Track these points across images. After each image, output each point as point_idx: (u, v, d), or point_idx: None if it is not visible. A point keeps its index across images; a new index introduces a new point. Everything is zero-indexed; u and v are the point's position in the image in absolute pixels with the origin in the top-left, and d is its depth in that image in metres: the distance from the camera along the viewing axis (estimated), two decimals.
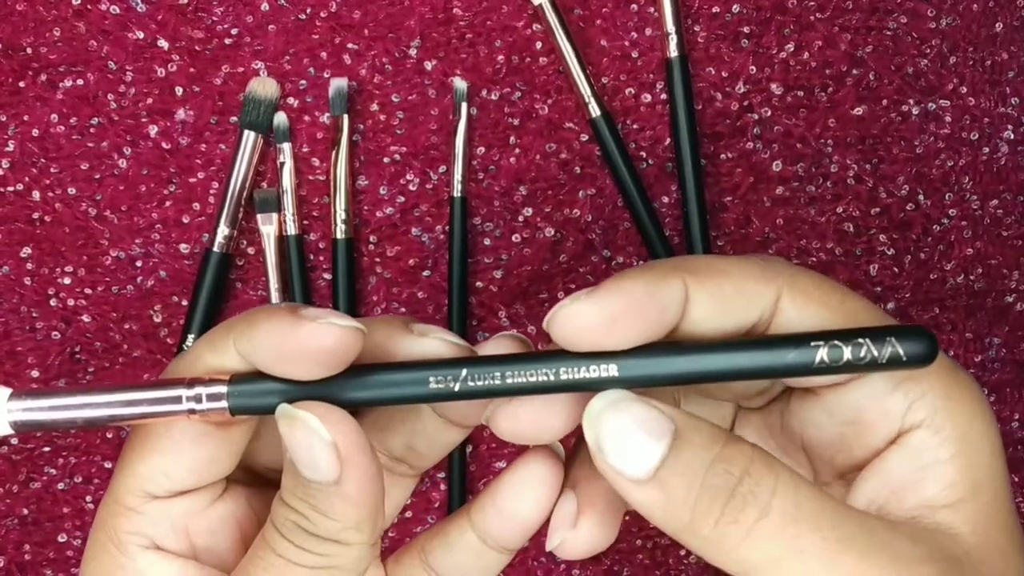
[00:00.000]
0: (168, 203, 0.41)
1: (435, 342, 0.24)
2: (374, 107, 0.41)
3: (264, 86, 0.40)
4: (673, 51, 0.40)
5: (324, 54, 0.41)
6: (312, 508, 0.23)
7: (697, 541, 0.22)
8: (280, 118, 0.40)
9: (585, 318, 0.22)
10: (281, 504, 0.23)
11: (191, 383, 0.23)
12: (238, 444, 0.25)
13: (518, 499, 0.26)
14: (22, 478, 0.41)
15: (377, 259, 0.41)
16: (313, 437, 0.22)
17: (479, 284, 0.42)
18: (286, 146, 0.40)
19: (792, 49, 0.41)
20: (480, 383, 0.23)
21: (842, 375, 0.24)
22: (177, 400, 0.23)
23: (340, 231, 0.40)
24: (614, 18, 0.41)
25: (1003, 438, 0.42)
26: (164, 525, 0.24)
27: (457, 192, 0.41)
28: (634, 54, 0.41)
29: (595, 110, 0.40)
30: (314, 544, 0.23)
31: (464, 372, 0.23)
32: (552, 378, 0.23)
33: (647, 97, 0.41)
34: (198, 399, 0.23)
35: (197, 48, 0.41)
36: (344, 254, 0.40)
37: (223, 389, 0.23)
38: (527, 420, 0.24)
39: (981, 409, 0.24)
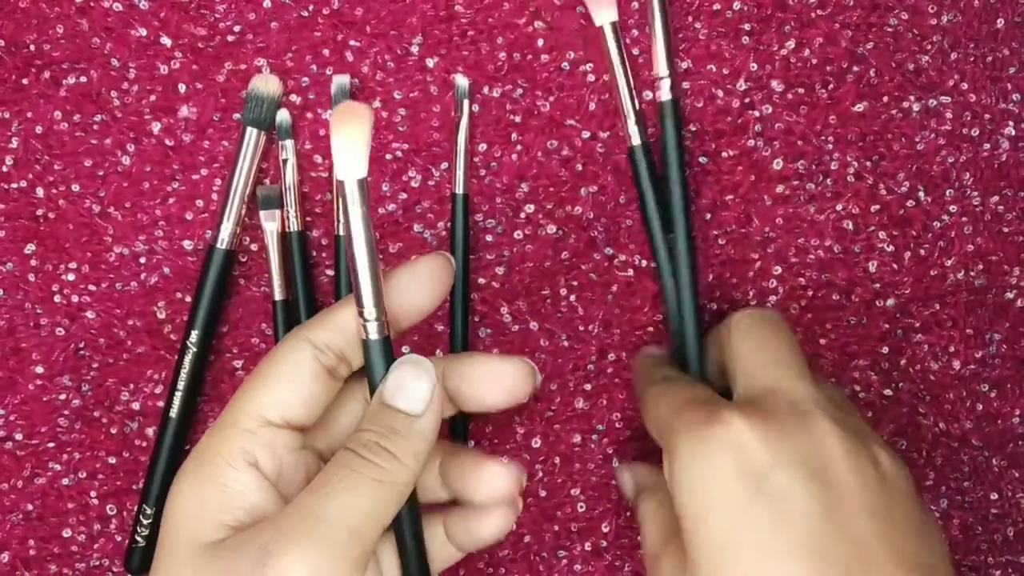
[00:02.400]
0: (171, 200, 0.41)
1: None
2: (376, 104, 0.41)
3: (267, 83, 0.40)
4: (665, 95, 0.39)
5: (326, 51, 0.41)
6: (392, 431, 0.29)
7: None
8: (283, 115, 0.40)
9: None
10: (363, 429, 0.30)
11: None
12: (332, 396, 0.32)
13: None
14: (27, 473, 0.42)
15: (380, 256, 0.41)
16: (424, 377, 0.30)
17: (481, 281, 0.42)
18: (289, 143, 0.40)
19: (793, 46, 0.41)
20: None
21: None
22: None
23: (343, 228, 0.40)
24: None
25: (1004, 434, 0.43)
26: (266, 449, 0.30)
27: (459, 189, 0.41)
28: (635, 51, 0.41)
29: (636, 138, 0.40)
30: (384, 458, 0.29)
31: None
32: None
33: (648, 95, 0.41)
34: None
35: (200, 45, 0.41)
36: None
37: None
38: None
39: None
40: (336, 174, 0.29)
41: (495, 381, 0.33)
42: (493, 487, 0.33)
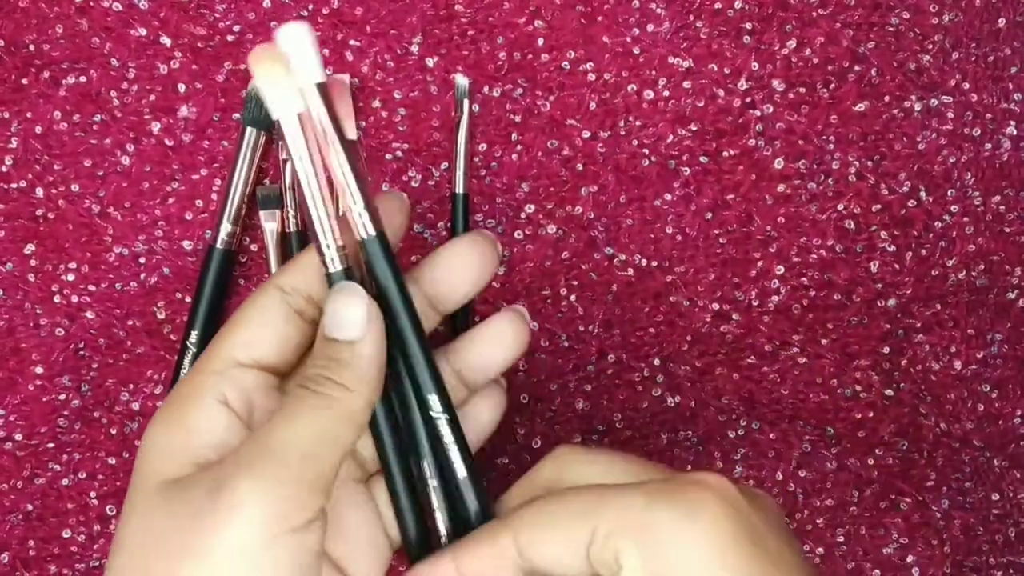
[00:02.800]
0: (171, 200, 0.41)
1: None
2: (376, 104, 0.41)
3: None
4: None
5: (326, 51, 0.41)
6: (335, 361, 0.29)
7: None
8: None
9: None
10: (311, 364, 0.30)
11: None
12: (306, 338, 0.32)
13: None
14: (26, 474, 0.42)
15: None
16: (357, 303, 0.29)
17: None
18: None
19: (794, 45, 0.41)
20: None
21: None
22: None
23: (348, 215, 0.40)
24: (616, 14, 0.41)
25: (1006, 435, 0.43)
26: (236, 389, 0.30)
27: (459, 189, 0.41)
28: (636, 50, 0.41)
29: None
30: (330, 387, 0.29)
31: None
32: None
33: (649, 94, 0.41)
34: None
35: (199, 45, 0.41)
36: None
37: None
38: None
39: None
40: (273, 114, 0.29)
41: (461, 265, 0.33)
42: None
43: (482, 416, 0.35)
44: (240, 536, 0.26)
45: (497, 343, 0.34)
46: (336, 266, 0.30)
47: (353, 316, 0.29)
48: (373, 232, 0.30)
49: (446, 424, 0.31)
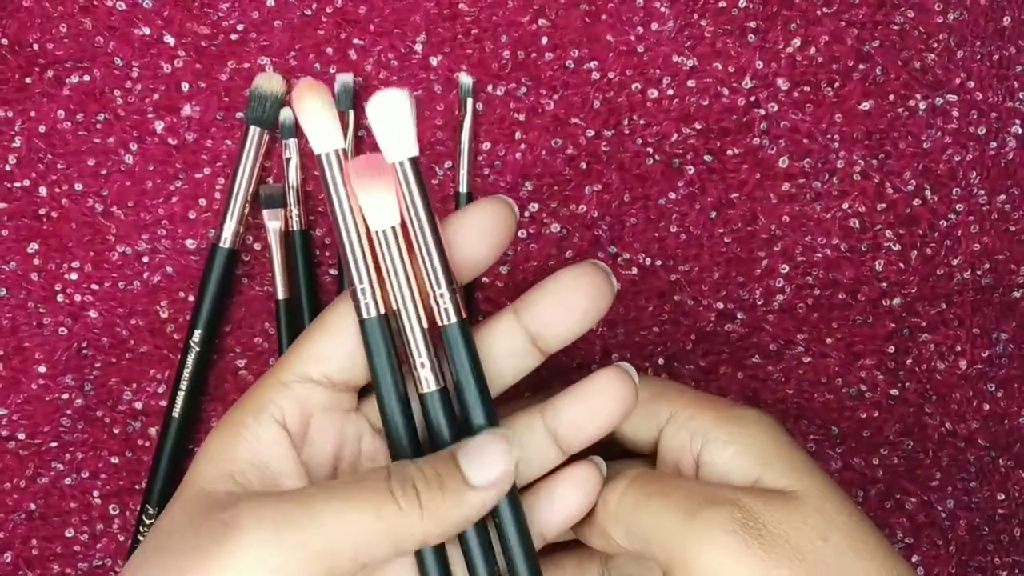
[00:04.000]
0: (174, 199, 0.41)
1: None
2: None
3: (270, 82, 0.40)
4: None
5: (330, 50, 0.41)
6: (440, 483, 0.27)
7: None
8: (286, 114, 0.40)
9: None
10: (418, 461, 0.28)
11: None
12: None
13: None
14: (29, 473, 0.41)
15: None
16: (503, 460, 0.28)
17: (485, 280, 0.42)
18: (292, 142, 0.40)
19: (799, 44, 0.41)
20: None
21: None
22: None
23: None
24: (620, 13, 0.41)
25: (1011, 434, 0.42)
26: (295, 404, 0.29)
27: (463, 188, 0.41)
28: (640, 48, 0.41)
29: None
30: (409, 504, 0.27)
31: None
32: None
33: (653, 92, 0.41)
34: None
35: (203, 44, 0.41)
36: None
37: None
38: None
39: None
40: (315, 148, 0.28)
41: (572, 299, 0.30)
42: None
43: (568, 500, 0.31)
44: None
45: (600, 403, 0.31)
46: (371, 312, 0.28)
47: (494, 468, 0.27)
48: (455, 319, 0.28)
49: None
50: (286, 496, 0.26)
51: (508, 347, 0.31)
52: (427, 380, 0.28)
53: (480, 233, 0.29)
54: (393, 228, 0.28)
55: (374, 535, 0.26)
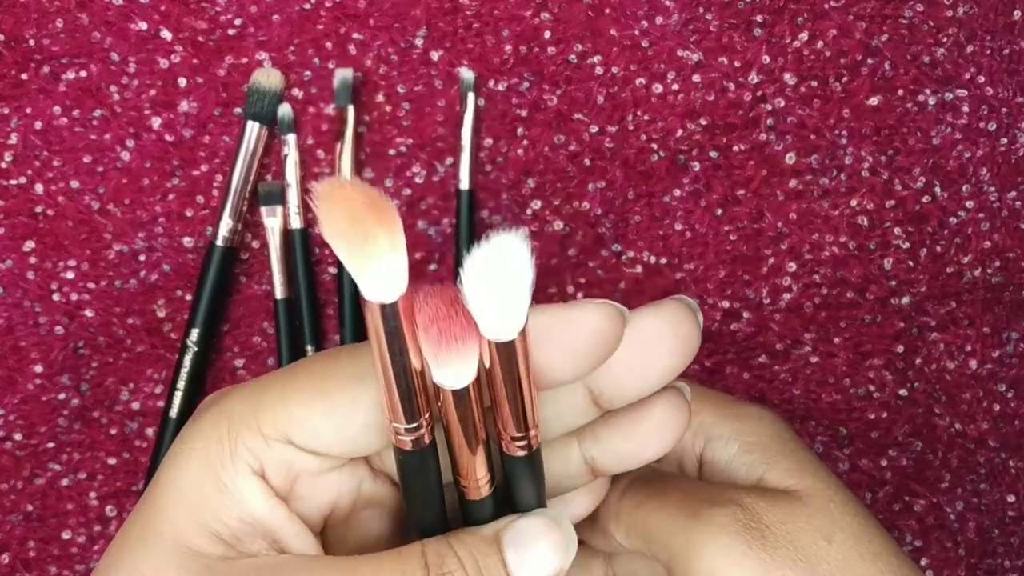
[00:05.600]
0: (171, 196, 0.40)
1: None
2: (380, 98, 0.40)
3: (268, 77, 0.39)
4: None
5: (329, 44, 0.40)
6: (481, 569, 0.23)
7: None
8: (284, 109, 0.40)
9: None
10: (451, 549, 0.24)
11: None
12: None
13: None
14: (26, 474, 0.41)
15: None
16: (559, 555, 0.24)
17: None
18: (291, 138, 0.40)
19: (806, 38, 0.40)
20: None
21: None
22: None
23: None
24: (624, 7, 0.40)
25: (1022, 435, 0.42)
26: (281, 467, 0.24)
27: (464, 185, 0.40)
28: (644, 43, 0.40)
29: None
30: None
31: None
32: None
33: (658, 88, 0.40)
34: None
35: (200, 39, 0.40)
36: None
37: None
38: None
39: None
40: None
41: (649, 352, 0.24)
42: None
43: (578, 505, 0.28)
44: None
45: (651, 435, 0.25)
46: (420, 445, 0.23)
47: (546, 565, 0.24)
48: (524, 453, 0.23)
49: None
50: (292, 566, 0.23)
51: (563, 408, 0.25)
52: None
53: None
54: (470, 385, 0.22)
55: None
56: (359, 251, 0.19)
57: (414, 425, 0.22)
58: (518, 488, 0.24)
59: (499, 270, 0.18)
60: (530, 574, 0.24)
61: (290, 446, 0.24)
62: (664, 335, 0.23)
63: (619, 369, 0.24)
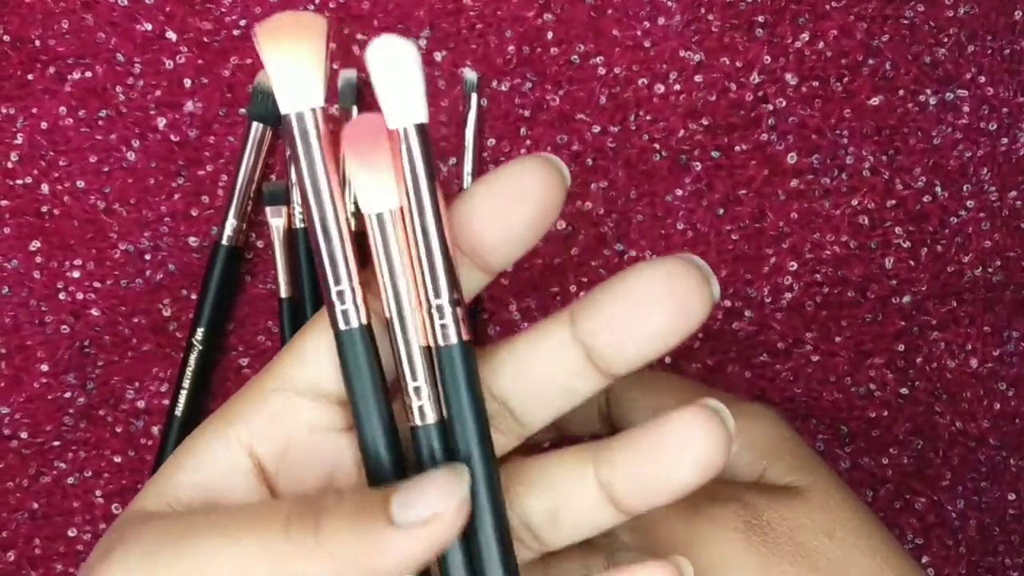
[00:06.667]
0: (177, 196, 0.41)
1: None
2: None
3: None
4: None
5: (333, 45, 0.40)
6: (355, 520, 0.21)
7: None
8: None
9: None
10: (336, 491, 0.23)
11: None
12: None
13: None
14: (32, 472, 0.41)
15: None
16: (443, 497, 0.21)
17: None
18: None
19: (807, 38, 0.41)
20: None
21: None
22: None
23: (351, 224, 0.40)
24: (626, 7, 0.40)
25: (1023, 434, 0.42)
26: (273, 426, 0.23)
27: (468, 185, 0.40)
28: (646, 43, 0.40)
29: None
30: (306, 528, 0.21)
31: None
32: None
33: (660, 88, 0.41)
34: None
35: (205, 40, 0.40)
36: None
37: None
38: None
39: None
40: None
41: (645, 309, 0.22)
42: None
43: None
44: None
45: (678, 461, 0.22)
46: (351, 322, 0.22)
47: (423, 510, 0.20)
48: (455, 340, 0.22)
49: None
50: (172, 520, 0.22)
51: (555, 365, 0.23)
52: (421, 411, 0.22)
53: (514, 200, 0.22)
54: (391, 212, 0.22)
55: (258, 572, 0.20)
56: (276, 58, 0.20)
57: (339, 289, 0.22)
58: (453, 401, 0.22)
59: (392, 56, 0.20)
60: (408, 514, 0.21)
61: (289, 394, 0.23)
62: (659, 291, 0.22)
63: (608, 318, 0.22)
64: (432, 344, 0.22)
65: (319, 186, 0.21)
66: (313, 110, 0.21)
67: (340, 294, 0.22)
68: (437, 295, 0.22)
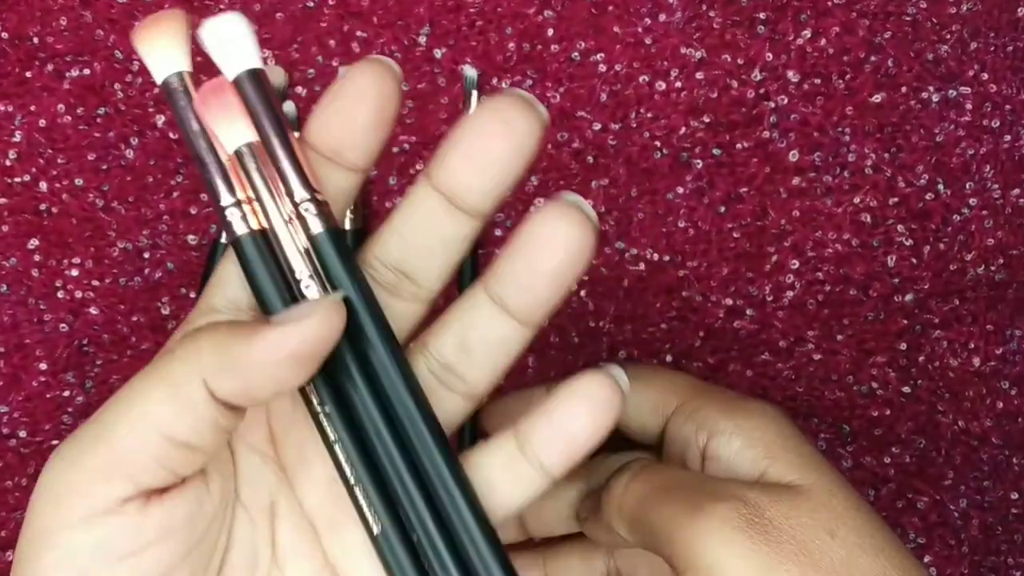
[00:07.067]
0: (175, 194, 0.41)
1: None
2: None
3: (272, 75, 0.39)
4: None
5: (332, 42, 0.40)
6: (227, 326, 0.23)
7: None
8: (288, 107, 0.40)
9: None
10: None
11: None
12: None
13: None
14: (31, 471, 0.41)
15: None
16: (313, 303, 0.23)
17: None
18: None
19: (809, 35, 0.40)
20: None
21: None
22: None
23: (348, 222, 0.40)
24: (627, 4, 0.40)
25: None
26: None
27: None
28: (647, 40, 0.40)
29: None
30: (185, 348, 0.23)
31: None
32: None
33: (661, 85, 0.40)
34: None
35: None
36: (352, 245, 0.40)
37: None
38: None
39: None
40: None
41: (484, 144, 0.25)
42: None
43: (573, 417, 0.26)
44: (38, 523, 0.23)
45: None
46: (240, 230, 0.25)
47: (300, 309, 0.23)
48: (322, 228, 0.25)
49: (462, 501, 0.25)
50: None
51: (427, 219, 0.26)
52: (312, 293, 0.25)
53: (354, 101, 0.25)
54: (249, 145, 0.25)
55: (152, 404, 0.22)
56: (144, 41, 0.25)
57: (224, 204, 0.25)
58: (338, 281, 0.25)
59: (218, 24, 0.25)
60: (283, 314, 0.23)
61: (212, 315, 0.25)
62: (494, 126, 0.25)
63: (454, 164, 0.25)
64: (308, 239, 0.25)
65: (192, 127, 0.26)
66: (179, 73, 0.26)
67: (226, 209, 0.25)
68: (298, 195, 0.25)
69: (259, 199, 0.25)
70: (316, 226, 0.25)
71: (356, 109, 0.25)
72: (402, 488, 0.25)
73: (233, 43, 0.25)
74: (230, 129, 0.25)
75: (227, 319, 0.25)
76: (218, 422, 0.23)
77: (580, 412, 0.25)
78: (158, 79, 0.26)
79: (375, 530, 0.25)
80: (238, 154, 0.25)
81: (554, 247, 0.24)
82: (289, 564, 0.26)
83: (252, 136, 0.25)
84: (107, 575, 0.23)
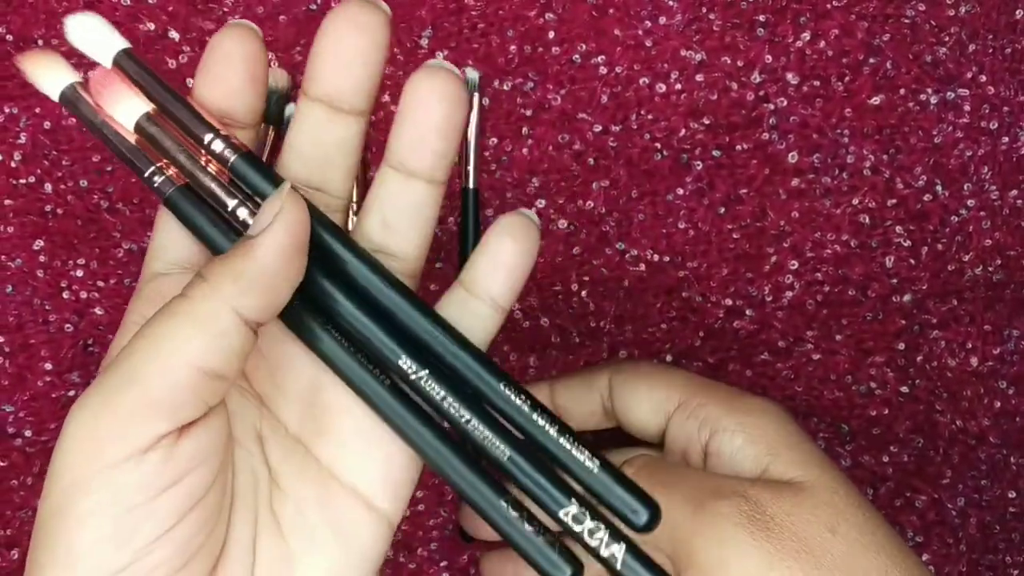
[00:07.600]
0: None
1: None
2: (385, 98, 0.41)
3: (275, 77, 0.40)
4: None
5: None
6: (223, 258, 0.25)
7: None
8: (292, 109, 0.40)
9: None
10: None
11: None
12: None
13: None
14: (36, 470, 0.41)
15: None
16: (275, 198, 0.25)
17: None
18: None
19: (808, 38, 0.41)
20: None
21: None
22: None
23: (352, 223, 0.40)
24: (627, 6, 0.40)
25: (1023, 432, 0.42)
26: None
27: (469, 183, 0.40)
28: (648, 42, 0.41)
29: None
30: (195, 287, 0.25)
31: None
32: None
33: (661, 87, 0.41)
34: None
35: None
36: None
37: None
38: None
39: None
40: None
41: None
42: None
43: (503, 248, 0.29)
44: (66, 471, 0.24)
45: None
46: (168, 188, 0.27)
47: (268, 212, 0.25)
48: (235, 156, 0.27)
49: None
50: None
51: (314, 131, 0.29)
52: (246, 217, 0.27)
53: (223, 64, 0.28)
54: (146, 115, 0.28)
55: (181, 342, 0.24)
56: (30, 70, 0.29)
57: (147, 173, 0.27)
58: (257, 191, 0.27)
59: (78, 22, 0.29)
60: (258, 223, 0.25)
61: (159, 279, 0.28)
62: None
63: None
64: (230, 172, 0.28)
65: (96, 122, 0.29)
66: (71, 84, 0.29)
67: (150, 176, 0.28)
68: (205, 137, 0.27)
69: (175, 161, 0.28)
70: (230, 155, 0.27)
71: (227, 71, 0.28)
72: (391, 350, 0.27)
73: (95, 32, 0.29)
74: (127, 107, 0.28)
75: (176, 278, 0.27)
76: (243, 347, 0.24)
77: (507, 243, 0.28)
78: (54, 96, 0.29)
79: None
80: (139, 126, 0.28)
81: (432, 103, 0.27)
82: (283, 479, 0.27)
83: (147, 106, 0.28)
84: (150, 507, 0.24)
